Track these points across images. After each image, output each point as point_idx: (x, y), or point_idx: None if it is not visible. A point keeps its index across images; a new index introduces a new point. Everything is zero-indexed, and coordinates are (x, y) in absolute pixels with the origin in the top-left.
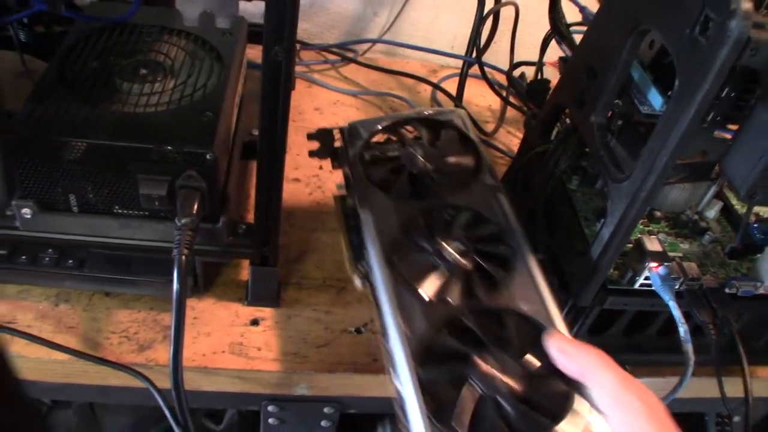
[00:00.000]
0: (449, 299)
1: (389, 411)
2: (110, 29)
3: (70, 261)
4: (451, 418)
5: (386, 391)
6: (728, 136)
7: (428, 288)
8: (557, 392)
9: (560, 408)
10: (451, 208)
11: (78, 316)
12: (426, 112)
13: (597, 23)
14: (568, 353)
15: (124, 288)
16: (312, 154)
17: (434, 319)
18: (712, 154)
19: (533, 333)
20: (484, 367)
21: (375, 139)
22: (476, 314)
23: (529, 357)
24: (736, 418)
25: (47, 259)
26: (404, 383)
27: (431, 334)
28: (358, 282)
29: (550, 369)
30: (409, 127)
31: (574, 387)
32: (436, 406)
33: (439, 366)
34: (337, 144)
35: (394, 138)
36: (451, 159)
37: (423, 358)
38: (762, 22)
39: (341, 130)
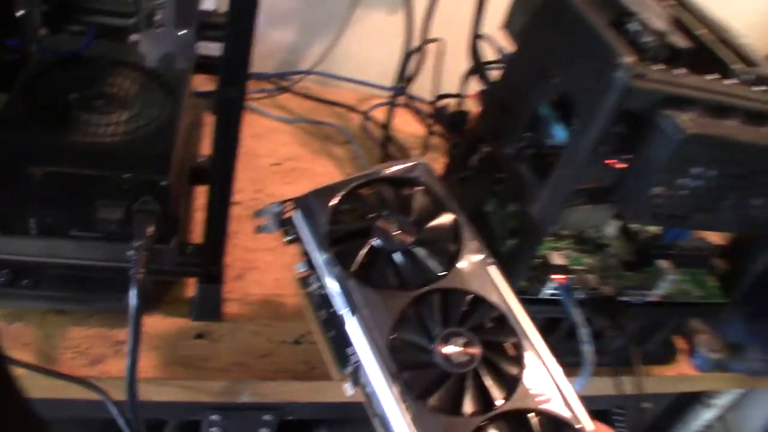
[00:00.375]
0: (467, 409)
1: (325, 417)
2: (66, 62)
3: (26, 281)
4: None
5: (323, 396)
6: (621, 165)
7: (440, 399)
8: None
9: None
10: (443, 294)
11: (32, 333)
12: (387, 171)
13: (510, 66)
14: None
15: (78, 306)
16: (260, 230)
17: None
18: (606, 181)
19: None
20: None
21: (341, 214)
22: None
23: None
24: (647, 403)
25: (2, 279)
26: None
27: None
28: (349, 389)
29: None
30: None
31: None
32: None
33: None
34: (287, 215)
35: (358, 208)
36: (429, 225)
37: None
38: (642, 73)
39: (294, 201)
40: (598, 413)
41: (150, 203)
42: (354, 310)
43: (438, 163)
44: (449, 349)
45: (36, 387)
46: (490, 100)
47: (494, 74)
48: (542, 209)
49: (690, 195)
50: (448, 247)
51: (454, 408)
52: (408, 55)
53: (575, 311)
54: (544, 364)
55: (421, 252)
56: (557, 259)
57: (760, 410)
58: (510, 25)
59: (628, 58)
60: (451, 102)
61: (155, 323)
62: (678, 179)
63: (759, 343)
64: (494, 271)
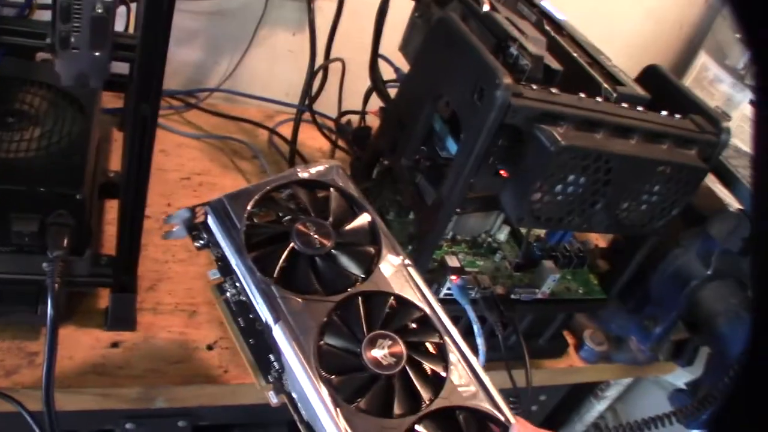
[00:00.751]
0: (396, 410)
1: (239, 421)
2: None
3: None
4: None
5: (236, 400)
6: (505, 174)
7: (370, 401)
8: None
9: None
10: (365, 298)
11: None
12: (302, 174)
13: (404, 86)
14: None
15: None
16: (168, 235)
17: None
18: (495, 189)
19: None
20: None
21: (256, 217)
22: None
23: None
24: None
25: None
26: None
27: None
28: (273, 398)
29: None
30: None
31: None
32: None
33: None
34: (199, 220)
35: (276, 212)
36: (346, 227)
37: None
38: (520, 92)
39: (206, 206)
40: None
41: (65, 216)
42: (278, 318)
43: None
44: (376, 352)
45: None
46: (387, 117)
47: (392, 92)
48: (435, 215)
49: (565, 200)
50: (366, 250)
51: (385, 410)
52: (313, 73)
53: (469, 308)
54: (466, 361)
55: (341, 256)
56: (452, 261)
57: (646, 399)
58: (406, 47)
59: (508, 79)
60: (353, 118)
61: (69, 334)
62: (554, 185)
63: (637, 335)
64: (414, 273)
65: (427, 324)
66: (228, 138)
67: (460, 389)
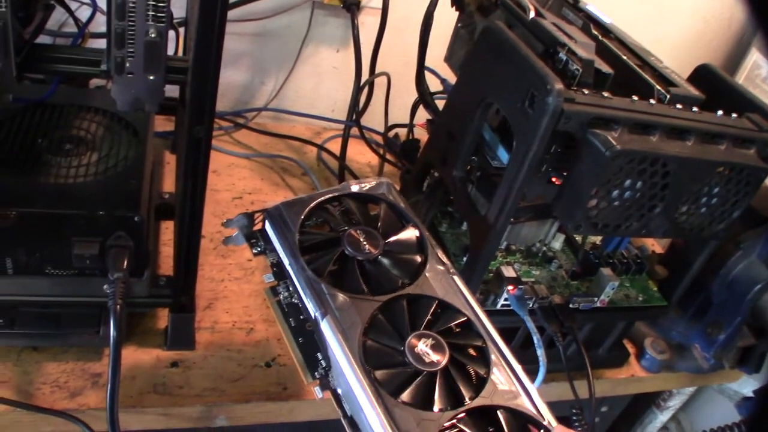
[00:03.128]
0: (437, 405)
1: None
2: (32, 109)
3: (1, 320)
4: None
5: (294, 417)
6: (559, 181)
7: (413, 396)
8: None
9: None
10: (410, 300)
11: (9, 371)
12: (354, 188)
13: (453, 96)
14: None
15: (53, 342)
16: (227, 241)
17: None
18: (549, 197)
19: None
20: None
21: (311, 225)
22: (469, 419)
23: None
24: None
25: None
26: None
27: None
28: (319, 393)
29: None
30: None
31: None
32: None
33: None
34: (257, 228)
35: (329, 223)
36: (393, 238)
37: None
38: (572, 97)
39: (265, 213)
40: (560, 419)
41: (123, 238)
42: (325, 313)
43: None
44: (420, 350)
45: (17, 423)
46: (436, 128)
47: (439, 104)
48: (489, 227)
49: (622, 205)
50: (413, 258)
51: (426, 404)
52: (359, 88)
53: (527, 319)
54: (509, 365)
55: (387, 261)
56: (508, 271)
57: (711, 409)
58: (451, 57)
59: (559, 84)
60: (401, 131)
61: (130, 354)
62: (610, 191)
63: (700, 342)
64: (458, 280)
65: (469, 328)
66: (277, 156)
67: (501, 389)
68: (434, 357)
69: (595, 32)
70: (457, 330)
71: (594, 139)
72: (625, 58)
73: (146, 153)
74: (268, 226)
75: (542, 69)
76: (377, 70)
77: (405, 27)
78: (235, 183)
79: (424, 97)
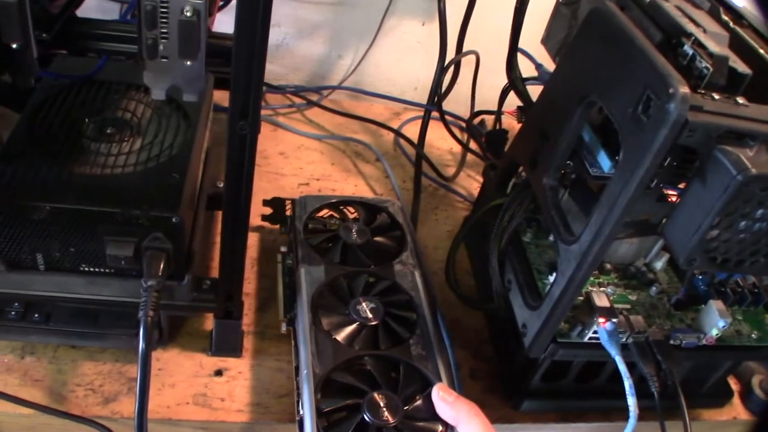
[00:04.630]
0: (356, 346)
1: None
2: (77, 86)
3: (36, 315)
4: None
5: None
6: (674, 195)
7: (341, 335)
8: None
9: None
10: (371, 276)
11: (44, 368)
12: (366, 199)
13: (549, 88)
14: (447, 402)
15: (90, 341)
16: (265, 218)
17: (341, 358)
18: (656, 216)
19: (422, 382)
20: (374, 398)
21: (321, 213)
22: (377, 359)
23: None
24: None
25: (13, 313)
26: (305, 409)
27: (338, 371)
28: (283, 327)
29: (430, 412)
30: (351, 208)
31: (449, 429)
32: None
33: (339, 398)
34: (288, 212)
35: (336, 215)
36: (378, 239)
37: (326, 390)
38: (699, 105)
39: (293, 201)
40: None
41: (161, 240)
42: (300, 264)
43: (474, 181)
44: (361, 304)
45: (47, 426)
46: (527, 124)
47: (532, 90)
48: (583, 249)
49: (750, 238)
50: (389, 255)
51: (349, 342)
52: (443, 68)
53: (619, 360)
54: (430, 342)
55: (366, 247)
56: (600, 300)
57: None
58: (549, 39)
59: (684, 88)
60: (487, 118)
61: (172, 357)
62: (737, 221)
63: None
64: (417, 276)
65: (411, 307)
66: (351, 139)
67: (415, 353)
68: (370, 316)
69: (725, 18)
70: (400, 303)
71: (723, 157)
72: (762, 52)
73: (195, 140)
74: (294, 211)
75: (663, 66)
76: (465, 48)
77: (498, 1)
78: (303, 167)
79: (516, 84)
